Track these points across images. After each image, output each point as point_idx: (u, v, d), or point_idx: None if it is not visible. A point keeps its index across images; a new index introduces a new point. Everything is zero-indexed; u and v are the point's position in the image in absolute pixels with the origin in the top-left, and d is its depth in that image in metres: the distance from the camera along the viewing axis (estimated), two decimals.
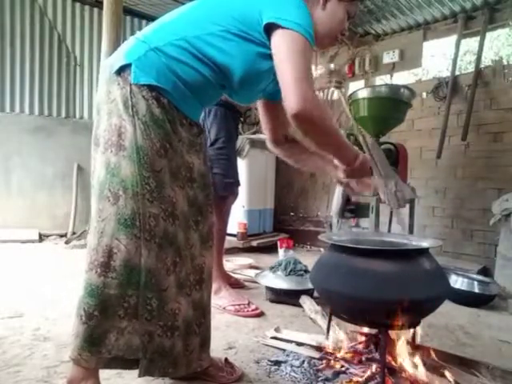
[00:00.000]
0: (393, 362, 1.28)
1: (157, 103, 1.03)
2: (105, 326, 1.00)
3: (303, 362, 1.38)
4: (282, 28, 1.00)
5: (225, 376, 1.26)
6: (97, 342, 1.00)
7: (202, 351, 1.18)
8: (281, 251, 3.07)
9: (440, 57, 3.45)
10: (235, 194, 2.34)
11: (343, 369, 1.33)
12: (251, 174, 3.67)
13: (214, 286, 2.05)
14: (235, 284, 2.34)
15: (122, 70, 1.03)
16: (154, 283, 1.02)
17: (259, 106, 1.37)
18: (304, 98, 0.97)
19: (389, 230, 2.86)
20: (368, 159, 1.25)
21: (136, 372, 1.06)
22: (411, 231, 2.82)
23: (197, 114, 1.19)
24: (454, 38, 3.34)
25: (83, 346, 1.00)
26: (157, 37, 1.06)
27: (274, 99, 1.29)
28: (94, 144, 1.09)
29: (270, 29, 1.02)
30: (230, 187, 2.04)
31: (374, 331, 1.36)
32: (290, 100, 0.98)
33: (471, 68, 3.24)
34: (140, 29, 4.04)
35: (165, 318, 1.05)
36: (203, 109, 1.25)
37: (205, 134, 1.24)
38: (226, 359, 1.33)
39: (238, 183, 2.26)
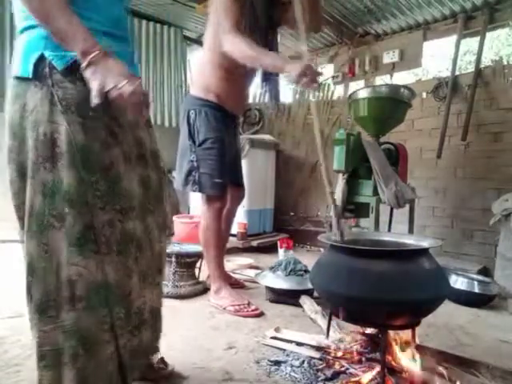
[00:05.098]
0: (393, 362, 1.28)
1: (83, 83, 0.87)
2: (93, 362, 0.91)
3: (303, 362, 1.38)
4: None
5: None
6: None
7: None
8: (281, 251, 3.07)
9: (440, 57, 3.46)
10: (240, 197, 2.31)
11: (343, 369, 1.33)
12: (251, 173, 3.66)
13: (215, 286, 2.06)
14: (235, 284, 2.34)
15: (34, 71, 0.89)
16: (119, 294, 0.95)
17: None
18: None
19: (389, 230, 2.86)
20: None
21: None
22: (411, 231, 2.83)
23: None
24: (453, 38, 3.34)
25: None
26: (20, 17, 0.96)
27: None
28: (16, 176, 0.93)
29: None
30: (217, 187, 2.01)
31: (374, 331, 1.36)
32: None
33: (471, 68, 3.24)
34: (140, 29, 4.06)
35: (132, 321, 1.00)
36: (130, 54, 1.06)
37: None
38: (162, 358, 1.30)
39: (237, 184, 2.25)
